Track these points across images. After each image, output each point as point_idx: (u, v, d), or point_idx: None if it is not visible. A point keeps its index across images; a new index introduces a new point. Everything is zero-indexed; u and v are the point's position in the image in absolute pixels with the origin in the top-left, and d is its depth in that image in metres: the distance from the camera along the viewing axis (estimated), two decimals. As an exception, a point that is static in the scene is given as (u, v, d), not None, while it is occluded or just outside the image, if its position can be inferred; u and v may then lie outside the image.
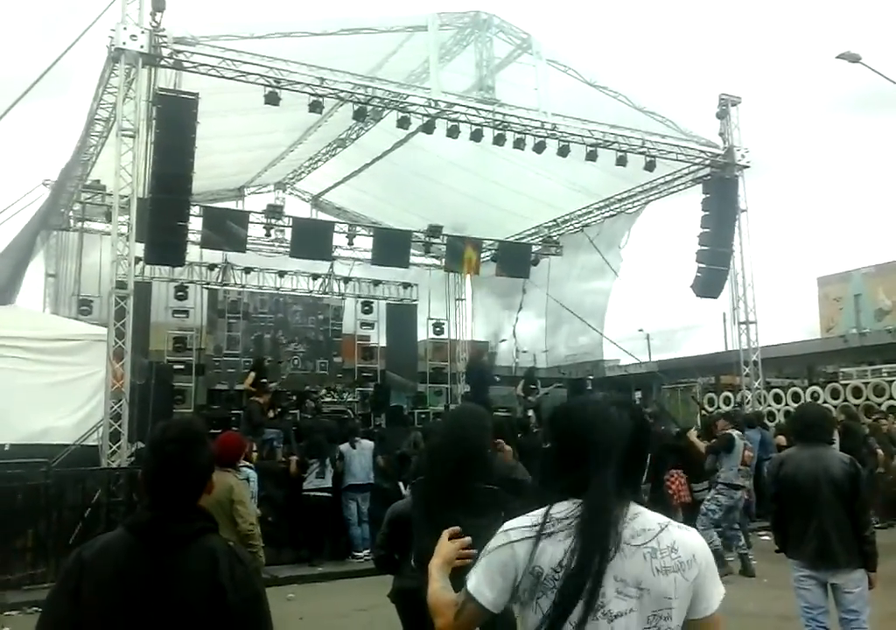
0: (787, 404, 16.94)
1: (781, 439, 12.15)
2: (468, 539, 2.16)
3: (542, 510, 1.95)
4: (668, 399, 23.93)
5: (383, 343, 21.49)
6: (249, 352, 18.54)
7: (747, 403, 16.15)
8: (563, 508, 1.92)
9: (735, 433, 9.81)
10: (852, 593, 4.82)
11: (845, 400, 16.41)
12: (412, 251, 19.18)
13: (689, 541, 1.92)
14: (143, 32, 11.13)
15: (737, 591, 7.53)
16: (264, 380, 13.62)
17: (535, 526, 1.91)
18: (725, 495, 9.34)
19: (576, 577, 1.81)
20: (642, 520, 1.91)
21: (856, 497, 4.85)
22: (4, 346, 11.59)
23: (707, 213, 15.72)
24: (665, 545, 1.87)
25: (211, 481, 2.27)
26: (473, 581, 1.96)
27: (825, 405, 16.52)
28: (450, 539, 2.19)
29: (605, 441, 1.94)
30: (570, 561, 1.83)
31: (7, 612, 7.93)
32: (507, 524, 1.98)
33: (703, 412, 17.28)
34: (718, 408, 18.17)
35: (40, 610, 2.16)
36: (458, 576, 2.06)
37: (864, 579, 4.83)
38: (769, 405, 16.81)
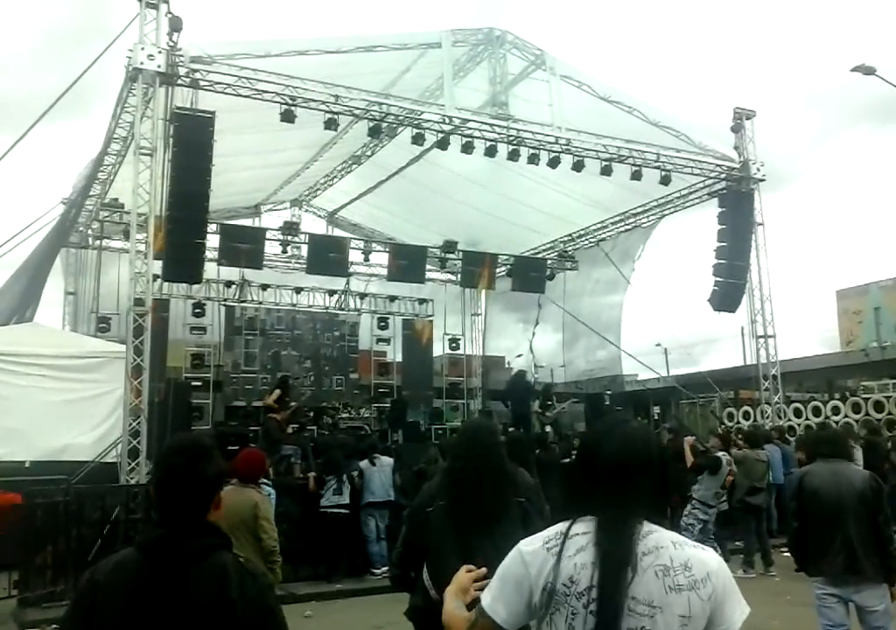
0: (807, 419, 16.78)
1: (801, 455, 12.03)
2: (484, 570, 2.17)
3: (558, 527, 1.96)
4: (686, 414, 23.77)
5: (399, 359, 21.50)
6: (267, 368, 18.63)
7: (767, 418, 16.00)
8: (581, 526, 1.93)
9: (724, 456, 9.74)
10: (876, 611, 4.79)
11: (867, 414, 16.22)
12: (427, 267, 19.23)
13: (705, 559, 1.90)
14: (160, 52, 11.27)
15: (761, 608, 7.40)
16: (287, 398, 13.64)
17: (548, 542, 1.93)
18: (701, 510, 9.51)
19: (606, 599, 1.81)
20: (656, 537, 1.90)
21: (879, 511, 4.84)
22: (24, 364, 11.71)
23: (723, 226, 15.67)
24: (678, 563, 1.86)
25: (219, 496, 2.25)
26: (488, 599, 1.96)
27: (846, 419, 16.40)
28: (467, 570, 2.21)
29: (625, 465, 1.96)
30: (591, 580, 1.83)
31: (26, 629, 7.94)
32: (522, 542, 1.99)
33: (723, 427, 17.13)
34: (738, 422, 18.03)
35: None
36: (473, 604, 2.06)
37: (887, 595, 4.80)
38: (789, 420, 16.65)
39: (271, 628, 2.10)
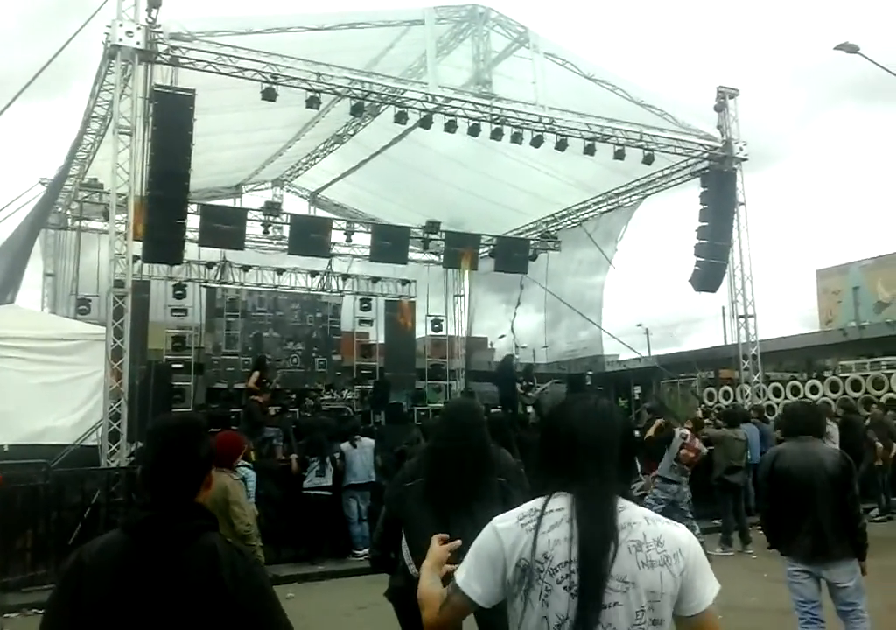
0: (786, 398, 16.98)
1: (780, 434, 12.17)
2: (458, 542, 2.18)
3: (532, 504, 1.98)
4: (667, 394, 23.96)
5: (382, 340, 21.47)
6: (248, 350, 18.53)
7: (746, 397, 16.15)
8: (556, 502, 1.94)
9: (678, 431, 9.85)
10: (847, 587, 4.86)
11: (844, 393, 16.43)
12: (410, 247, 19.17)
13: (676, 535, 1.92)
14: (138, 29, 11.10)
15: (738, 585, 7.54)
16: (265, 379, 13.60)
17: (523, 518, 1.94)
18: (660, 489, 9.60)
19: (589, 574, 1.82)
20: (628, 514, 1.92)
21: (847, 489, 4.89)
22: (3, 347, 11.57)
23: (705, 206, 15.70)
24: (651, 539, 1.88)
25: (210, 475, 2.25)
26: (463, 575, 1.98)
27: (824, 398, 16.59)
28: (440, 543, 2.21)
29: (595, 439, 1.98)
30: (567, 556, 1.85)
31: (7, 615, 7.88)
32: (496, 518, 2.00)
33: (703, 406, 17.28)
34: (718, 402, 18.20)
35: (41, 612, 2.14)
36: (449, 579, 2.06)
37: (857, 571, 4.87)
38: (768, 399, 16.82)
39: (264, 606, 2.09)
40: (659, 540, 1.88)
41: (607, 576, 1.81)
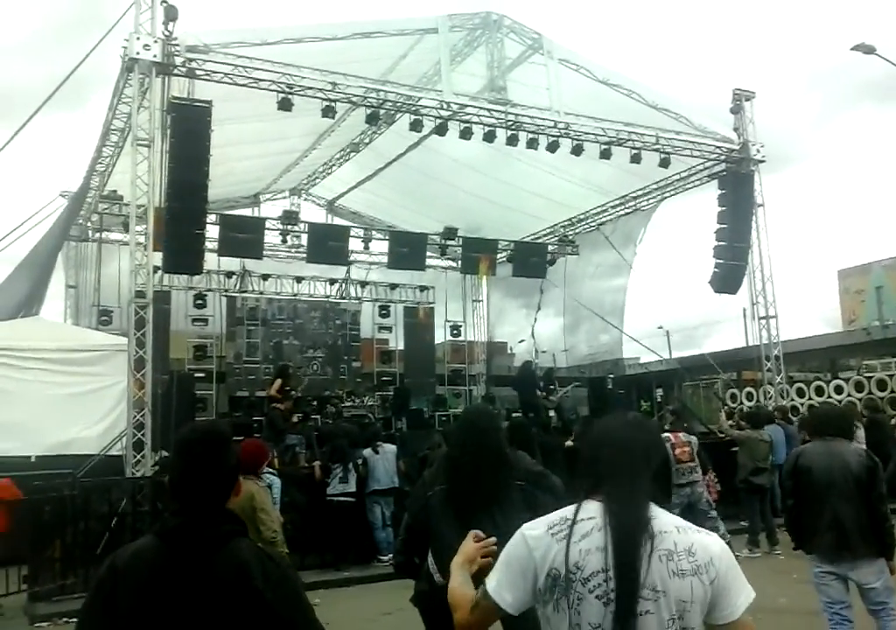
0: (810, 398, 16.82)
1: (805, 434, 12.06)
2: (493, 540, 2.17)
3: (562, 512, 1.98)
4: (689, 396, 23.81)
5: (401, 346, 21.50)
6: (269, 358, 18.62)
7: (770, 398, 16.01)
8: (586, 511, 1.95)
9: (682, 436, 9.59)
10: (875, 587, 4.83)
11: (870, 393, 16.25)
12: (428, 254, 19.20)
13: (708, 544, 1.91)
14: (155, 42, 11.20)
15: (766, 586, 7.46)
16: (288, 387, 13.66)
17: (553, 528, 1.94)
18: (673, 494, 9.26)
19: (623, 584, 1.82)
20: (659, 522, 1.91)
21: (873, 489, 4.85)
22: (27, 358, 11.72)
23: (723, 208, 15.61)
24: (682, 548, 1.87)
25: (239, 483, 2.27)
26: (494, 583, 1.98)
27: (849, 398, 16.43)
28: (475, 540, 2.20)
29: (628, 448, 2.01)
30: (600, 565, 1.85)
31: (38, 624, 7.96)
32: (525, 526, 2.01)
33: (725, 408, 17.16)
34: (741, 403, 18.06)
35: (72, 621, 2.17)
36: (480, 576, 2.06)
37: (885, 571, 4.83)
38: (792, 400, 16.67)
39: (300, 611, 2.11)
40: (690, 549, 1.87)
41: (641, 585, 1.82)
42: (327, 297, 20.71)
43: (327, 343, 19.89)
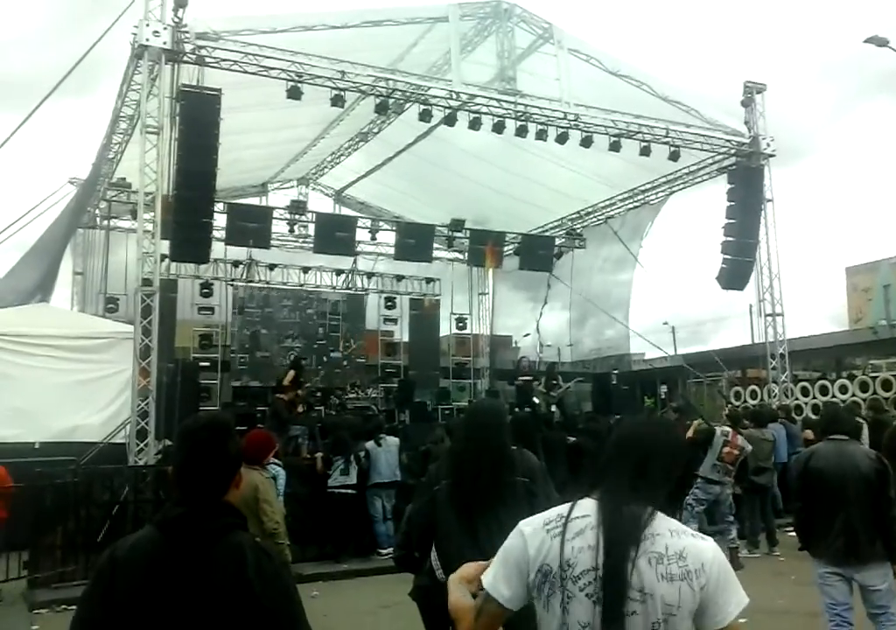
0: (814, 398, 16.69)
1: (809, 433, 11.98)
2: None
3: (558, 510, 1.98)
4: (694, 393, 23.74)
5: (406, 338, 21.48)
6: (274, 349, 18.58)
7: (774, 397, 15.95)
8: (580, 509, 1.95)
9: (719, 429, 9.70)
10: (879, 590, 4.81)
11: (875, 393, 16.13)
12: (435, 245, 19.15)
13: (701, 549, 1.89)
14: (165, 29, 11.19)
15: (765, 587, 7.46)
16: (302, 379, 13.66)
17: (548, 524, 1.95)
18: (702, 489, 9.45)
19: (610, 583, 1.82)
20: (654, 525, 1.90)
21: (883, 493, 4.82)
22: (34, 345, 11.74)
23: (732, 203, 15.52)
24: (673, 552, 1.86)
25: (240, 474, 2.28)
26: (490, 577, 1.98)
27: (854, 398, 16.32)
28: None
29: (629, 449, 2.02)
30: (590, 563, 1.85)
31: (37, 611, 7.99)
32: (522, 522, 2.01)
33: (729, 406, 17.09)
34: (745, 401, 17.97)
35: (70, 608, 2.17)
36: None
37: (890, 574, 4.81)
38: (796, 399, 16.58)
39: (288, 608, 2.11)
40: (681, 554, 1.85)
41: (628, 584, 1.81)
42: (333, 287, 20.66)
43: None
